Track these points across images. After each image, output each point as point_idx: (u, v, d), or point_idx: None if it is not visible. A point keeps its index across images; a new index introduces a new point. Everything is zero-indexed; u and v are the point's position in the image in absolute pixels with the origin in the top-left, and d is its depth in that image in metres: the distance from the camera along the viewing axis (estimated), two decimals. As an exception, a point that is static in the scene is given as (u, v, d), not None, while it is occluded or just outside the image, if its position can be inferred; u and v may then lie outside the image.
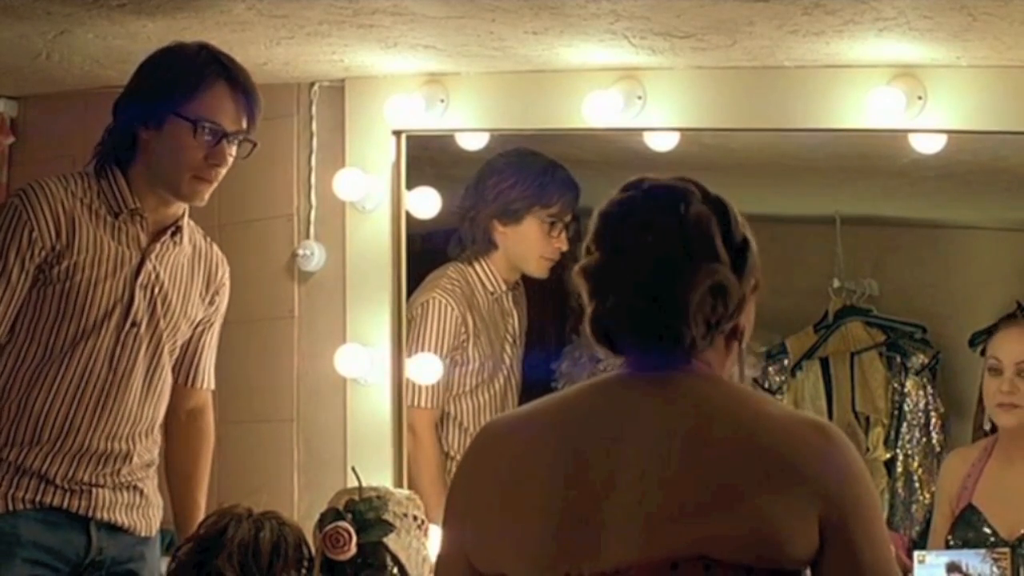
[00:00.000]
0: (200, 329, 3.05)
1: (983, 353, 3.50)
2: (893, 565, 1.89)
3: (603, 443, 1.86)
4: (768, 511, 1.80)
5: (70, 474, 2.82)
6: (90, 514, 2.85)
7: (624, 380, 1.93)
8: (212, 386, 3.12)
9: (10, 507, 2.78)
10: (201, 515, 2.98)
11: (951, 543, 3.30)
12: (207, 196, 2.89)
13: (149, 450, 2.95)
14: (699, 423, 1.85)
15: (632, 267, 1.89)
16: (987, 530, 3.27)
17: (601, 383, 1.97)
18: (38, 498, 2.80)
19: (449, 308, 3.66)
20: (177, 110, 2.81)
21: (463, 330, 3.68)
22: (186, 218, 2.97)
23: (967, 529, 3.29)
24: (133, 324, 2.87)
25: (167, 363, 2.96)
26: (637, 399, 1.89)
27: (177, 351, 3.01)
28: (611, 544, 1.81)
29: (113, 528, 2.88)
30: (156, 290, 2.90)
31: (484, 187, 3.70)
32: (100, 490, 2.86)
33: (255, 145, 2.89)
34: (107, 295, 2.84)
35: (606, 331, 1.92)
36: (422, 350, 3.60)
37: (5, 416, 2.81)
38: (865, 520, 1.84)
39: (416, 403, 3.59)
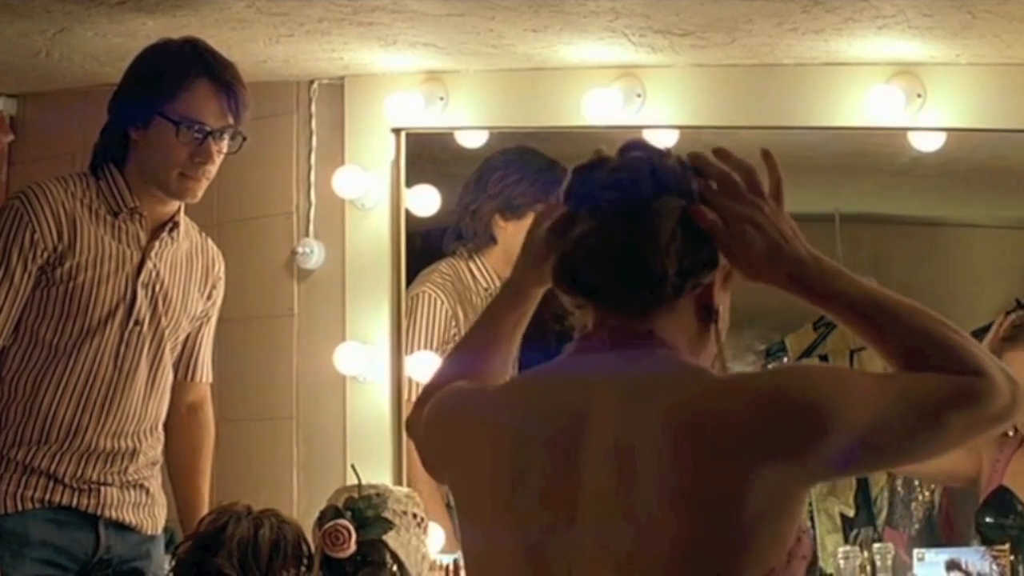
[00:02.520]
0: (198, 323, 3.06)
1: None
2: (914, 394, 1.73)
3: (555, 464, 1.71)
4: (748, 540, 1.64)
5: (79, 473, 2.83)
6: (99, 512, 2.85)
7: (576, 369, 1.78)
8: (210, 379, 3.13)
9: (19, 507, 2.79)
10: (206, 507, 2.99)
11: (982, 523, 3.34)
12: (200, 193, 2.89)
13: (153, 447, 2.96)
14: (655, 439, 1.66)
15: (599, 204, 1.75)
16: (1020, 507, 3.31)
17: (556, 371, 1.82)
18: (47, 497, 2.80)
19: (439, 302, 3.65)
20: (161, 110, 2.81)
21: (454, 324, 3.66)
22: (182, 213, 2.97)
23: (1000, 506, 3.34)
24: (136, 323, 2.87)
25: (169, 360, 2.97)
26: (589, 403, 1.72)
27: (178, 347, 3.01)
28: None
29: (121, 526, 2.89)
30: (157, 288, 2.91)
31: (487, 181, 3.69)
32: (108, 488, 2.86)
33: (245, 139, 2.89)
34: (110, 295, 2.84)
35: (572, 272, 1.77)
36: (413, 344, 3.59)
37: (12, 416, 2.82)
38: (857, 419, 1.68)
39: (407, 397, 3.58)
